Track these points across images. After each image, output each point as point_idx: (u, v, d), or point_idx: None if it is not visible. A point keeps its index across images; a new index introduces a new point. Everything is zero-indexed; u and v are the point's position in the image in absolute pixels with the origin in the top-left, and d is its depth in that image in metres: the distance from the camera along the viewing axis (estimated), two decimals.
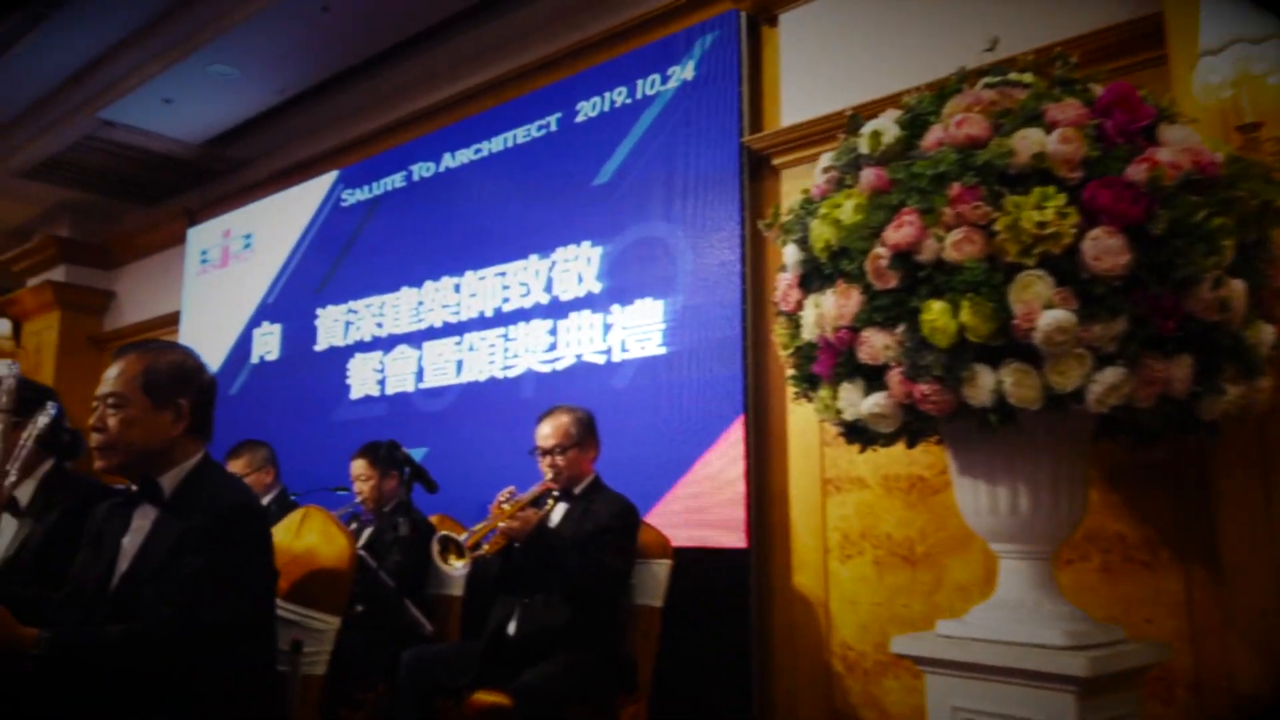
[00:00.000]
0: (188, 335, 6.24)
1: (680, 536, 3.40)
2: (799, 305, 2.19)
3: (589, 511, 3.11)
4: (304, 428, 5.12)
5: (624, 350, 3.87)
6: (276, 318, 5.62)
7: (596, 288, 4.01)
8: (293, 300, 5.54)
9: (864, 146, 2.08)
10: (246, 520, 1.95)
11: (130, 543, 2.00)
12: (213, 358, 5.93)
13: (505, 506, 3.07)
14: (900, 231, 1.88)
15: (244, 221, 6.03)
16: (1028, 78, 2.06)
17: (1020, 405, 1.82)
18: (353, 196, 5.27)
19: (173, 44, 4.88)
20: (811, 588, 3.33)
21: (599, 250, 4.03)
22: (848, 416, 2.10)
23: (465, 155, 4.69)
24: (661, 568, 3.17)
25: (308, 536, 2.30)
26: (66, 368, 7.21)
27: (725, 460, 3.49)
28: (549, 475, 3.16)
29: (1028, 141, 1.83)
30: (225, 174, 6.44)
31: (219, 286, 6.10)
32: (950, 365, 1.84)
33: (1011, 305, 1.78)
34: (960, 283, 1.81)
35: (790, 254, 2.21)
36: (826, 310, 2.05)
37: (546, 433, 3.16)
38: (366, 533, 3.81)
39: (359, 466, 3.84)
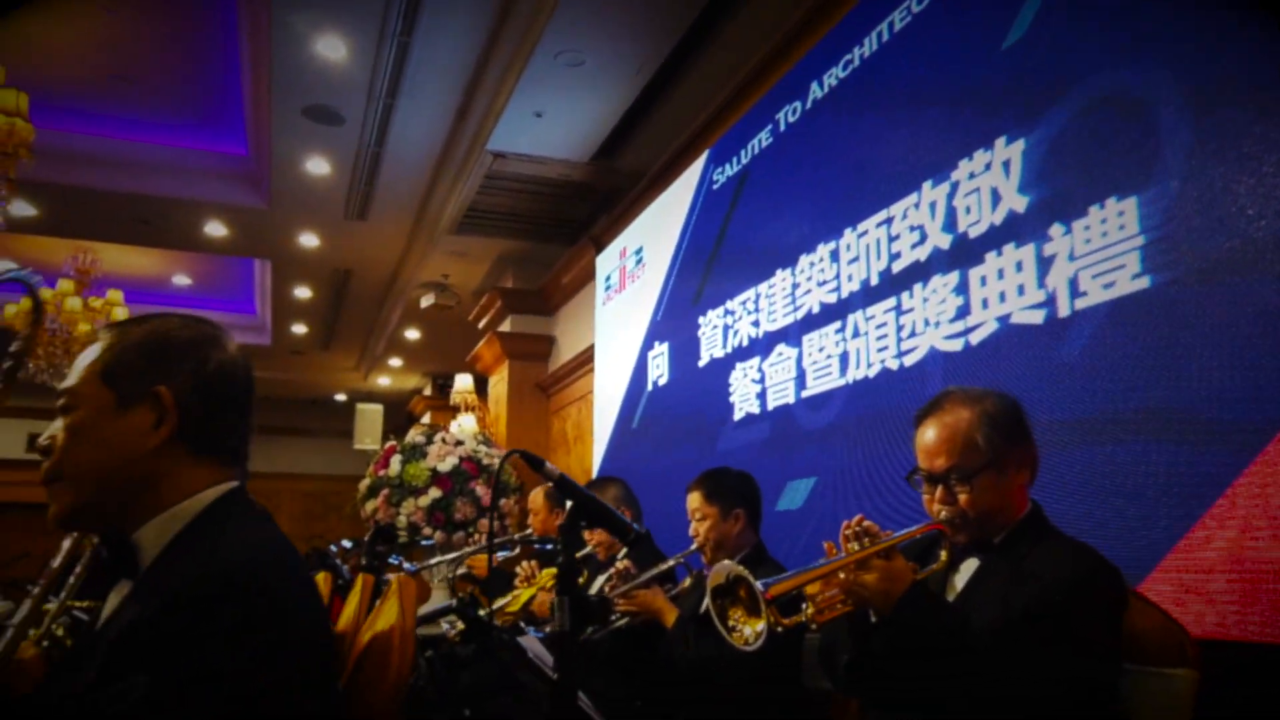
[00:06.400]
0: (600, 370, 5.78)
1: (1208, 622, 1.77)
2: None
3: (1021, 572, 1.66)
4: (693, 460, 4.21)
5: (1076, 294, 2.29)
6: (665, 336, 4.83)
7: (1020, 205, 2.48)
8: (677, 312, 4.71)
9: None
10: (235, 600, 0.98)
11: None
12: (617, 392, 5.35)
13: (853, 546, 1.73)
14: None
15: (636, 236, 5.40)
16: None
17: None
18: (722, 175, 4.31)
19: (516, 38, 4.44)
20: None
21: (1019, 146, 2.50)
22: None
23: (834, 76, 3.45)
24: (1179, 683, 1.61)
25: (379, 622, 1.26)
26: (517, 417, 7.28)
27: None
28: (942, 516, 1.77)
29: None
30: (622, 191, 5.95)
31: (619, 312, 5.54)
32: None
33: None
34: None
35: None
36: None
37: (931, 443, 1.77)
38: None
39: (693, 501, 2.77)
